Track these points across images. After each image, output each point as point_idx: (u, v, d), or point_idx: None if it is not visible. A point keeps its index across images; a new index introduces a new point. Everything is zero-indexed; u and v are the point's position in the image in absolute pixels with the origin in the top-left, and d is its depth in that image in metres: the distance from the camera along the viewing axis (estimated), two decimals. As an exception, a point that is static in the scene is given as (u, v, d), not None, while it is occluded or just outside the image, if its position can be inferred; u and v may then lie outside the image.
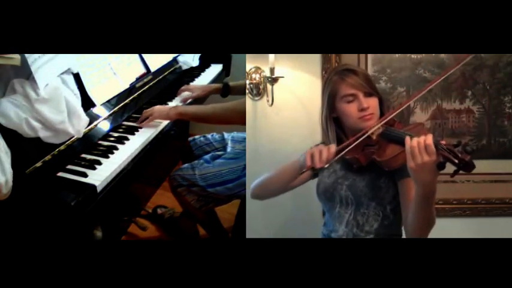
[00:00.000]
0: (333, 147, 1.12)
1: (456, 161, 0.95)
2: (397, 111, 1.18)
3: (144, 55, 1.80)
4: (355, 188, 1.21)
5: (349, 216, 1.22)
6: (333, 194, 1.24)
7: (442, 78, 1.18)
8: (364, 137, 1.14)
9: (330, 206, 1.26)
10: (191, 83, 2.03)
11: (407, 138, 1.01)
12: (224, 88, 1.92)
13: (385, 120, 1.15)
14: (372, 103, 1.19)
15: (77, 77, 1.37)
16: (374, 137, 1.15)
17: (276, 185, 1.29)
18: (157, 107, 1.60)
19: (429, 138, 0.98)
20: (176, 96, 1.86)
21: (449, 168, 0.98)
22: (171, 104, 1.79)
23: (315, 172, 1.25)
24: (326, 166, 1.12)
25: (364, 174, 1.21)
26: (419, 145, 0.98)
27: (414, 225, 1.09)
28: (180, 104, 1.81)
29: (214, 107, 1.55)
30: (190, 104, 1.85)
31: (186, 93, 1.88)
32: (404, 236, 1.23)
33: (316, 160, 1.11)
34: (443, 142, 0.98)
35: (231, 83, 1.94)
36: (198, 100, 1.91)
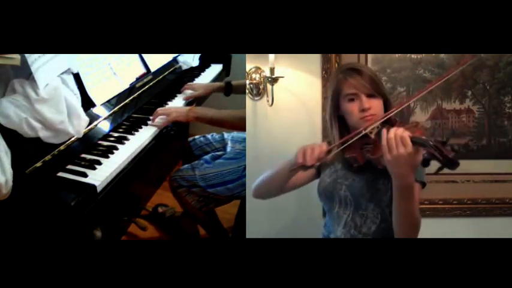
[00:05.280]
0: (325, 146, 1.13)
1: (440, 157, 0.94)
2: (394, 111, 1.16)
3: (144, 55, 1.80)
4: (353, 188, 1.20)
5: (348, 217, 1.21)
6: (332, 194, 1.23)
7: (445, 78, 1.17)
8: (359, 135, 1.13)
9: (330, 206, 1.25)
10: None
11: (384, 131, 1.02)
12: (227, 87, 1.93)
13: (383, 120, 1.14)
14: (375, 104, 1.17)
15: (77, 77, 1.37)
16: (372, 136, 1.14)
17: (274, 183, 1.28)
18: (174, 108, 1.60)
19: (401, 130, 0.99)
20: (178, 95, 1.86)
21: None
22: (171, 103, 1.79)
23: (306, 170, 1.23)
24: (317, 164, 1.14)
25: (363, 174, 1.20)
26: (396, 137, 0.99)
27: (395, 223, 1.10)
28: (184, 103, 1.81)
29: (231, 114, 1.56)
30: (191, 102, 1.85)
31: (189, 92, 1.89)
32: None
33: (308, 157, 1.11)
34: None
35: (233, 82, 1.95)
36: (199, 98, 1.91)
